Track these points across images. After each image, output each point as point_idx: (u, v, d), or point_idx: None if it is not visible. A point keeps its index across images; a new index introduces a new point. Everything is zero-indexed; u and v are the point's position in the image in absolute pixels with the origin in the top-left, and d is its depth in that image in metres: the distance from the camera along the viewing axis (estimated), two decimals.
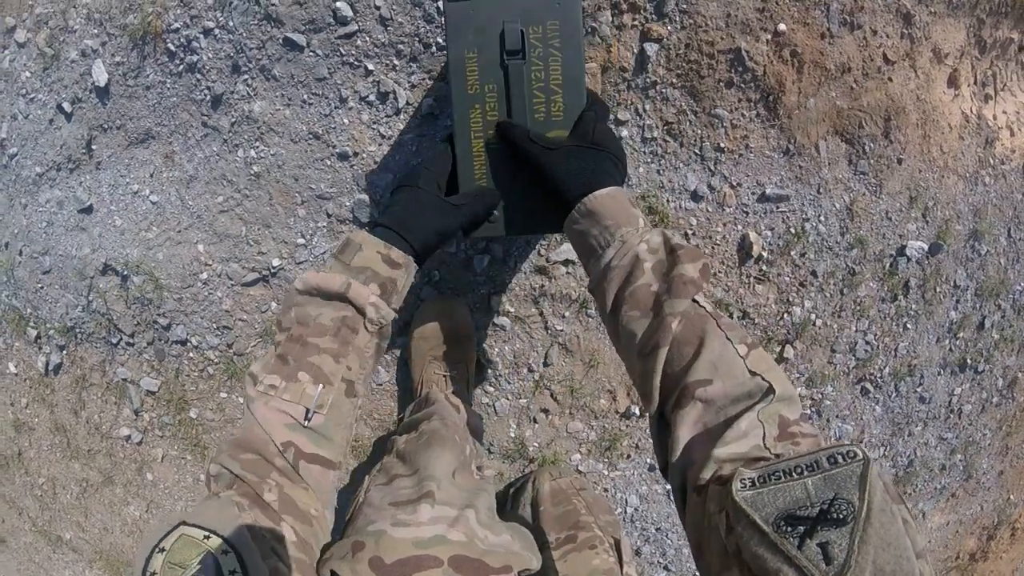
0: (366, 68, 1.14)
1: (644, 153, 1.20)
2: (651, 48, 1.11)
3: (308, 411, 0.70)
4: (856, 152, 1.23)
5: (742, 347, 0.64)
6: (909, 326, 1.43)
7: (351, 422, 0.76)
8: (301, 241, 1.28)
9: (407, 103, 1.16)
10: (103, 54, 1.25)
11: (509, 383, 1.38)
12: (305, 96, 1.17)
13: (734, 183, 1.22)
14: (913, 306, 1.42)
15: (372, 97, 1.16)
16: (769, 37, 1.11)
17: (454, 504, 0.76)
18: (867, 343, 1.42)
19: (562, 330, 1.33)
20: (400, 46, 1.12)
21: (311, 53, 1.13)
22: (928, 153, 1.28)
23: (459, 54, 0.88)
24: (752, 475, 0.50)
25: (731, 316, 1.33)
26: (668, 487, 1.51)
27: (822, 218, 1.27)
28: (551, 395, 1.39)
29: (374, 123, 1.17)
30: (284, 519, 0.63)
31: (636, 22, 1.10)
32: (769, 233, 1.27)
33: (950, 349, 1.51)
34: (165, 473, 1.62)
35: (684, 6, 1.08)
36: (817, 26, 1.12)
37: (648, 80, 1.14)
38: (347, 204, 1.23)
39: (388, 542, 0.68)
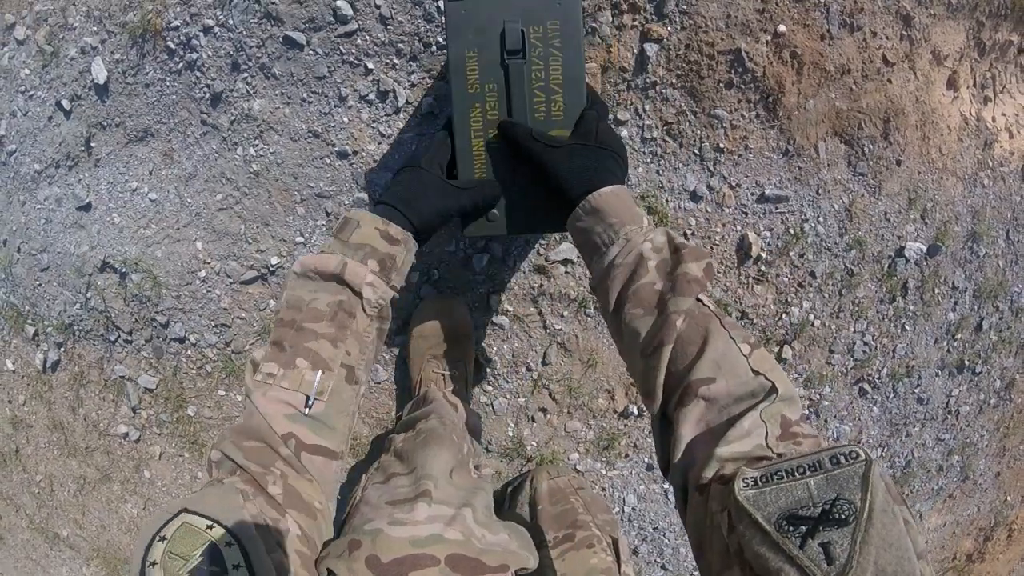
0: (366, 67, 1.13)
1: (643, 153, 1.20)
2: (651, 48, 1.11)
3: (308, 398, 0.69)
4: (855, 153, 1.24)
5: (745, 346, 0.65)
6: (907, 327, 1.44)
7: (353, 410, 0.75)
8: (300, 239, 1.28)
9: (407, 102, 1.15)
10: (102, 51, 1.24)
11: (507, 382, 1.38)
12: (305, 94, 1.17)
13: (733, 183, 1.22)
14: (911, 307, 1.42)
15: (372, 96, 1.15)
16: (769, 38, 1.11)
17: (451, 503, 0.76)
18: (865, 344, 1.42)
19: (561, 329, 1.33)
20: (400, 45, 1.12)
21: (311, 51, 1.13)
22: (927, 155, 1.28)
23: (459, 53, 0.88)
24: (754, 474, 0.50)
25: (729, 316, 1.33)
26: (666, 486, 1.52)
27: (821, 219, 1.27)
28: (549, 394, 1.39)
29: (374, 122, 1.17)
30: (288, 512, 0.62)
31: (636, 22, 1.10)
32: (768, 234, 1.27)
33: (948, 350, 1.52)
34: (163, 471, 1.62)
35: (684, 7, 1.08)
36: (817, 27, 1.12)
37: (648, 80, 1.14)
38: (346, 202, 1.23)
39: (385, 541, 0.68)
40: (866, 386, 1.49)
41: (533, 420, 1.42)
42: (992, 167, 1.35)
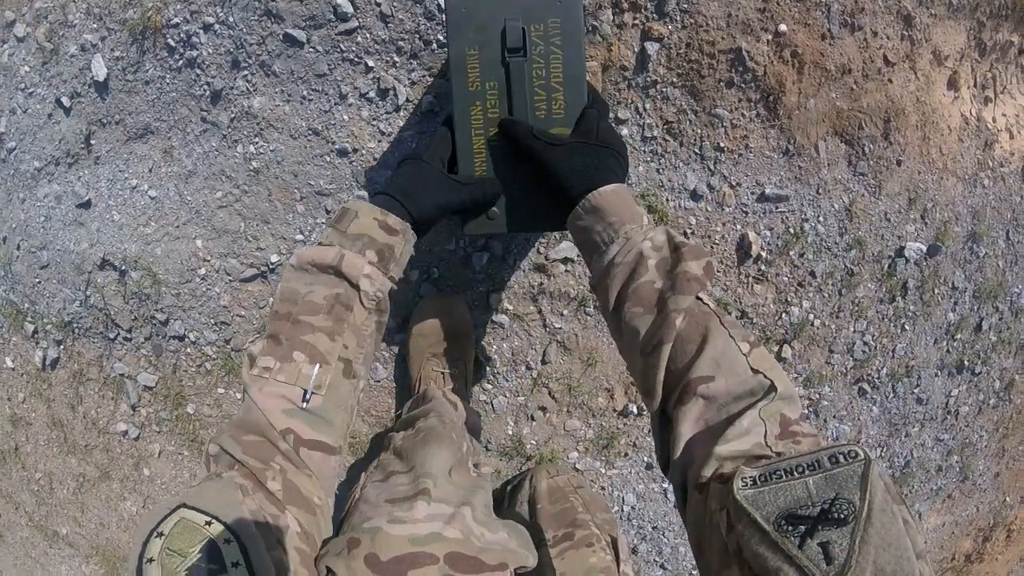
0: (366, 64, 1.13)
1: (644, 152, 1.20)
2: (652, 47, 1.11)
3: (306, 392, 0.68)
4: (856, 153, 1.24)
5: (744, 345, 0.65)
6: (907, 327, 1.44)
7: (351, 404, 0.75)
8: (300, 237, 1.28)
9: (407, 100, 1.15)
10: (102, 49, 1.24)
11: (507, 380, 1.38)
12: (305, 92, 1.17)
13: (733, 183, 1.22)
14: (911, 307, 1.42)
15: (372, 94, 1.15)
16: (770, 37, 1.11)
17: (450, 501, 0.75)
18: (865, 344, 1.42)
19: (560, 328, 1.33)
20: (400, 43, 1.12)
21: (311, 49, 1.13)
22: (927, 155, 1.28)
23: (460, 51, 0.87)
24: (753, 474, 0.50)
25: (729, 315, 1.33)
26: (665, 485, 1.52)
27: (821, 218, 1.27)
28: (549, 393, 1.39)
29: (374, 119, 1.17)
30: (288, 509, 0.62)
31: (637, 21, 1.10)
32: (768, 233, 1.27)
33: (947, 351, 1.52)
34: (162, 468, 1.62)
35: (685, 5, 1.08)
36: (818, 27, 1.12)
37: (648, 79, 1.14)
38: (346, 200, 1.23)
39: (384, 539, 0.68)
40: (865, 386, 1.49)
41: (532, 419, 1.42)
42: (992, 167, 1.35)
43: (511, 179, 0.92)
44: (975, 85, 1.29)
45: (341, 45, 1.12)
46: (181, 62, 1.20)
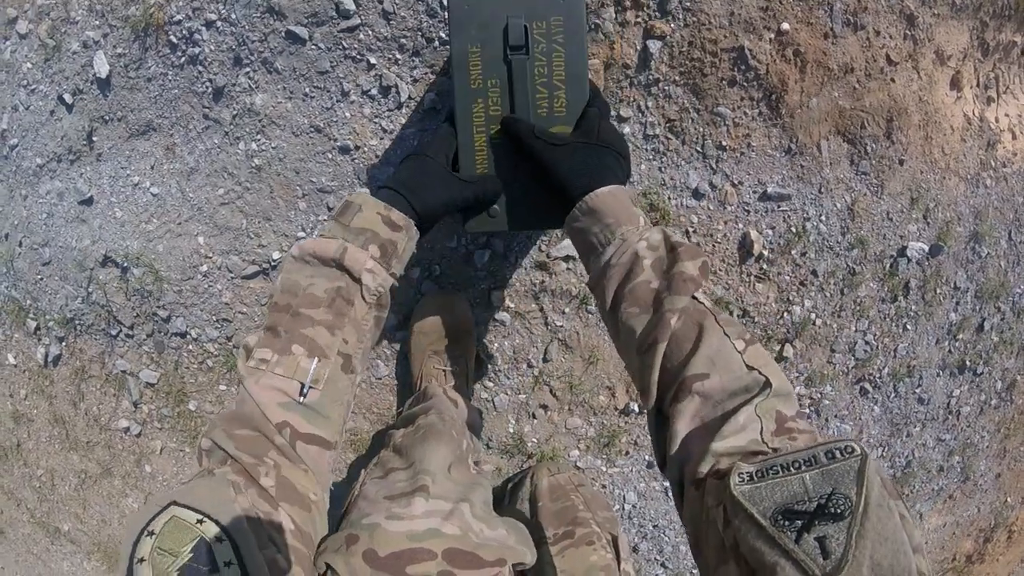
0: (368, 62, 1.13)
1: (646, 150, 1.20)
2: (654, 45, 1.11)
3: (303, 386, 0.67)
4: (858, 152, 1.23)
5: (740, 342, 0.65)
6: (909, 327, 1.43)
7: (348, 399, 0.74)
8: (302, 234, 1.28)
9: (409, 97, 1.15)
10: (105, 45, 1.24)
11: (508, 378, 1.38)
12: (307, 89, 1.17)
13: (736, 181, 1.22)
14: (913, 307, 1.42)
15: (374, 91, 1.15)
16: (772, 36, 1.11)
17: (449, 498, 0.75)
18: (867, 343, 1.42)
19: (562, 326, 1.33)
20: (403, 40, 1.12)
21: (313, 46, 1.13)
22: (930, 155, 1.28)
23: (462, 48, 0.87)
24: (750, 469, 0.50)
25: (731, 314, 1.33)
26: (666, 484, 1.52)
27: (823, 218, 1.27)
28: (550, 391, 1.39)
29: (376, 117, 1.17)
30: (281, 505, 0.61)
31: (639, 19, 1.10)
32: (770, 232, 1.27)
33: (949, 351, 1.51)
34: (164, 465, 1.62)
35: (688, 3, 1.08)
36: (820, 26, 1.12)
37: (651, 77, 1.14)
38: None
39: (382, 535, 0.68)
40: (867, 385, 1.49)
41: (534, 417, 1.42)
42: (995, 168, 1.35)
43: (512, 177, 0.92)
44: (978, 85, 1.29)
45: (343, 42, 1.12)
46: (183, 59, 1.20)
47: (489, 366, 1.37)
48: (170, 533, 0.50)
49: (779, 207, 1.25)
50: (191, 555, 0.49)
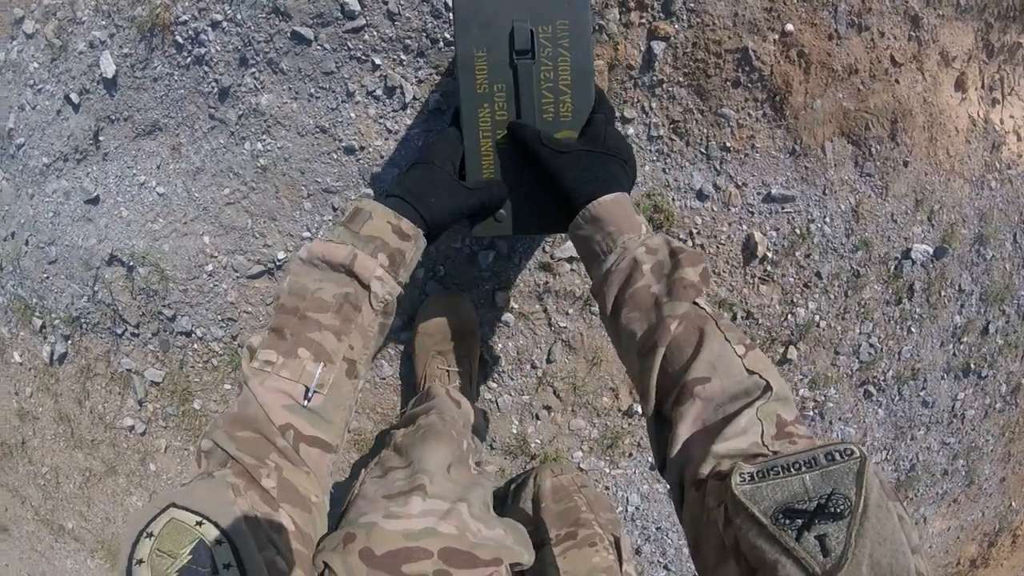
0: (373, 62, 1.14)
1: (650, 151, 1.20)
2: (658, 46, 1.11)
3: (308, 390, 0.67)
4: (862, 154, 1.23)
5: (740, 347, 0.65)
6: (913, 329, 1.43)
7: (351, 404, 0.74)
8: (307, 234, 1.28)
9: (414, 98, 1.16)
10: (111, 46, 1.25)
11: (512, 379, 1.38)
12: (312, 90, 1.17)
13: (740, 183, 1.22)
14: (917, 309, 1.41)
15: (379, 92, 1.16)
16: (776, 37, 1.11)
17: (447, 497, 0.76)
18: (871, 346, 1.42)
19: (566, 327, 1.33)
20: (407, 41, 1.12)
21: (319, 47, 1.14)
22: (934, 156, 1.28)
23: (468, 52, 0.87)
24: (751, 470, 0.50)
25: (735, 316, 1.33)
26: (669, 486, 1.51)
27: (827, 219, 1.27)
28: (554, 392, 1.40)
29: (381, 117, 1.18)
30: (282, 507, 0.61)
31: (643, 20, 1.10)
32: (774, 233, 1.27)
33: (954, 353, 1.51)
34: (168, 464, 1.63)
35: (692, 5, 1.08)
36: (825, 27, 1.12)
37: (655, 78, 1.14)
38: (353, 198, 1.24)
39: (379, 534, 0.68)
40: (871, 388, 1.48)
41: (537, 418, 1.42)
42: (1000, 169, 1.35)
43: (518, 182, 0.91)
44: (983, 86, 1.29)
45: (348, 43, 1.13)
46: (189, 59, 1.20)
47: (493, 367, 1.37)
48: (169, 535, 0.50)
49: (783, 209, 1.25)
50: (190, 557, 0.49)
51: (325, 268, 0.73)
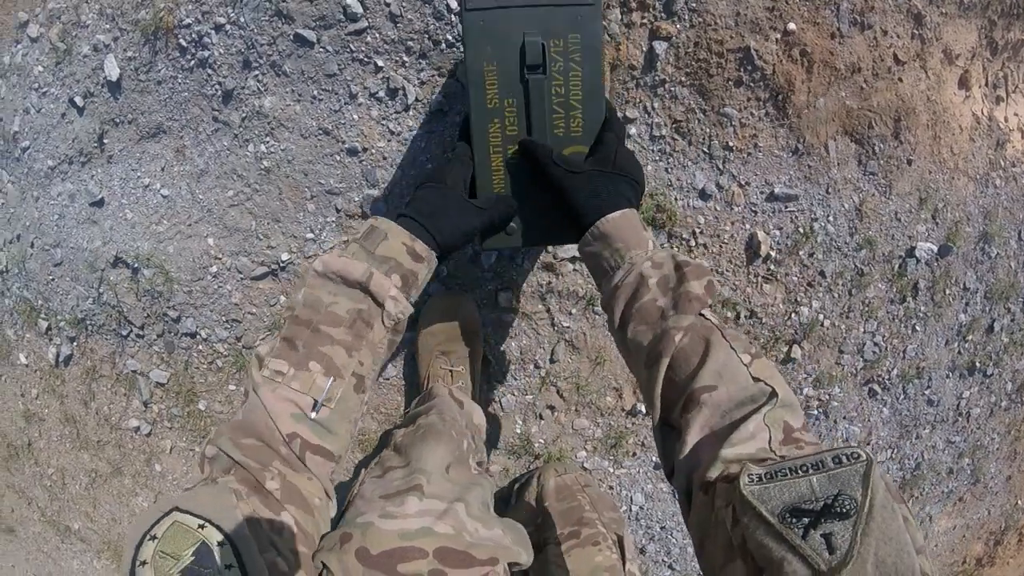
0: (376, 64, 1.14)
1: (652, 151, 1.20)
2: (660, 46, 1.11)
3: (316, 403, 0.68)
4: (866, 152, 1.23)
5: (746, 356, 0.67)
6: (918, 328, 1.43)
7: (356, 418, 0.75)
8: (310, 236, 1.29)
9: (416, 99, 1.16)
10: (115, 49, 1.26)
11: (515, 379, 1.39)
12: (315, 92, 1.18)
13: (742, 182, 1.22)
14: (922, 308, 1.41)
15: (382, 93, 1.16)
16: (779, 36, 1.11)
17: (444, 497, 0.76)
18: (875, 344, 1.41)
19: (569, 327, 1.33)
20: (410, 43, 1.12)
21: (321, 49, 1.14)
22: (938, 154, 1.27)
23: (478, 66, 0.86)
24: (759, 471, 0.51)
25: (738, 315, 1.33)
26: (676, 491, 1.51)
27: (831, 218, 1.27)
28: (557, 392, 1.40)
29: (383, 119, 1.18)
30: (286, 508, 0.62)
31: (645, 20, 1.11)
32: (777, 232, 1.27)
33: (959, 352, 1.51)
34: (174, 464, 1.64)
35: (693, 4, 1.08)
36: (827, 26, 1.11)
37: (657, 78, 1.14)
38: (356, 199, 1.24)
39: (374, 533, 0.69)
40: (876, 387, 1.48)
41: (541, 417, 1.42)
42: (1004, 167, 1.34)
43: (527, 196, 0.91)
44: (986, 84, 1.28)
45: (351, 45, 1.13)
46: (193, 62, 1.21)
47: (496, 367, 1.37)
48: (172, 537, 0.51)
49: (786, 207, 1.25)
50: (192, 558, 0.50)
51: (340, 283, 0.74)
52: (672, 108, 1.17)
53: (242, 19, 1.15)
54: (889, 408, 1.51)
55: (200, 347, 1.46)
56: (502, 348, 1.36)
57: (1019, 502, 1.85)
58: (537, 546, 1.00)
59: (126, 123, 1.31)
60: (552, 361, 1.36)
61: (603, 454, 1.46)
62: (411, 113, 1.17)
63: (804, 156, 1.21)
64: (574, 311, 1.31)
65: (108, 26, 1.25)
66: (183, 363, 1.49)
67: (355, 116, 1.18)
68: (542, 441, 1.44)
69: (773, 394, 0.62)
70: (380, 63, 1.14)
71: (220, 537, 0.52)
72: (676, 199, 1.23)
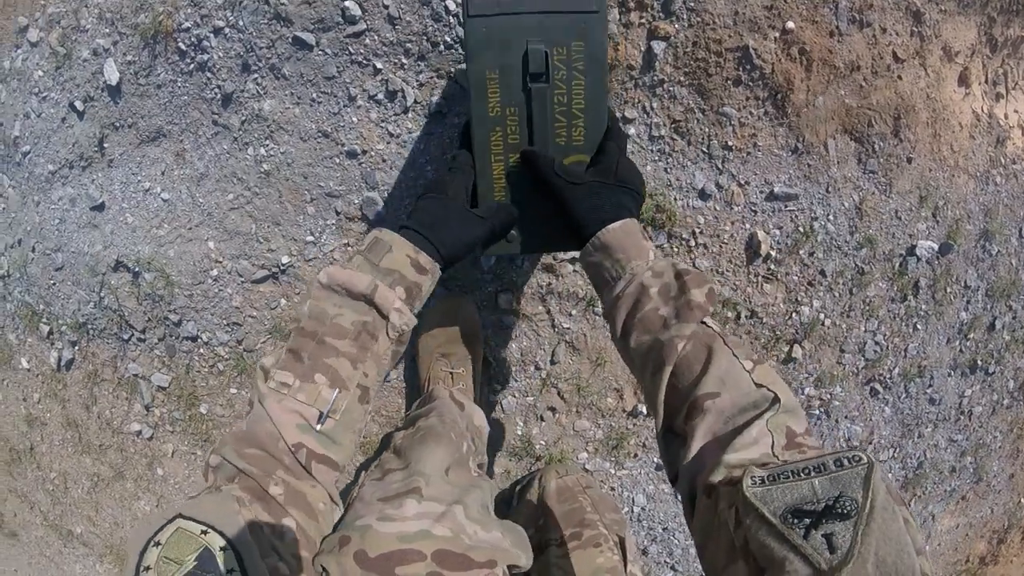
0: (375, 67, 1.14)
1: (651, 151, 1.20)
2: (658, 46, 1.11)
3: (322, 415, 0.69)
4: (865, 151, 1.23)
5: (748, 363, 0.67)
6: (919, 326, 1.42)
7: (360, 428, 0.76)
8: (310, 238, 1.29)
9: (415, 101, 1.16)
10: (115, 53, 1.26)
11: (516, 381, 1.38)
12: (314, 95, 1.18)
13: (742, 181, 1.22)
14: (923, 306, 1.41)
15: (381, 95, 1.16)
16: (777, 35, 1.11)
17: (443, 500, 0.76)
18: (876, 343, 1.41)
19: (569, 328, 1.33)
20: (408, 45, 1.12)
21: (320, 52, 1.14)
22: (938, 152, 1.27)
23: (480, 74, 0.84)
24: (762, 474, 0.52)
25: (739, 315, 1.33)
26: (680, 497, 1.51)
27: (831, 217, 1.27)
28: (558, 393, 1.40)
29: (383, 121, 1.18)
30: (289, 512, 0.63)
31: (643, 20, 1.10)
32: (777, 232, 1.26)
33: (960, 350, 1.50)
34: (175, 468, 1.64)
35: (691, 4, 1.08)
36: (826, 24, 1.11)
37: (655, 78, 1.14)
38: (356, 202, 1.24)
39: (373, 536, 0.69)
40: (877, 386, 1.48)
41: (542, 419, 1.42)
42: (1005, 164, 1.34)
43: (528, 203, 0.91)
44: (986, 81, 1.28)
45: (350, 48, 1.13)
46: (192, 66, 1.21)
47: (497, 368, 1.37)
48: (175, 543, 0.52)
49: (786, 207, 1.24)
50: (195, 563, 0.51)
51: (344, 295, 0.74)
52: (671, 108, 1.16)
53: (241, 22, 1.15)
54: (891, 407, 1.51)
55: (201, 351, 1.46)
56: (502, 350, 1.36)
57: (1022, 500, 1.84)
58: (538, 548, 1.00)
59: (126, 127, 1.31)
60: (553, 362, 1.36)
61: (604, 455, 1.46)
62: (410, 115, 1.17)
63: (804, 155, 1.21)
64: (574, 312, 1.31)
65: (107, 30, 1.25)
66: (184, 367, 1.49)
67: (354, 119, 1.18)
68: (543, 443, 1.44)
69: (776, 400, 0.62)
70: (379, 65, 1.14)
71: (222, 542, 0.53)
72: (675, 199, 1.23)
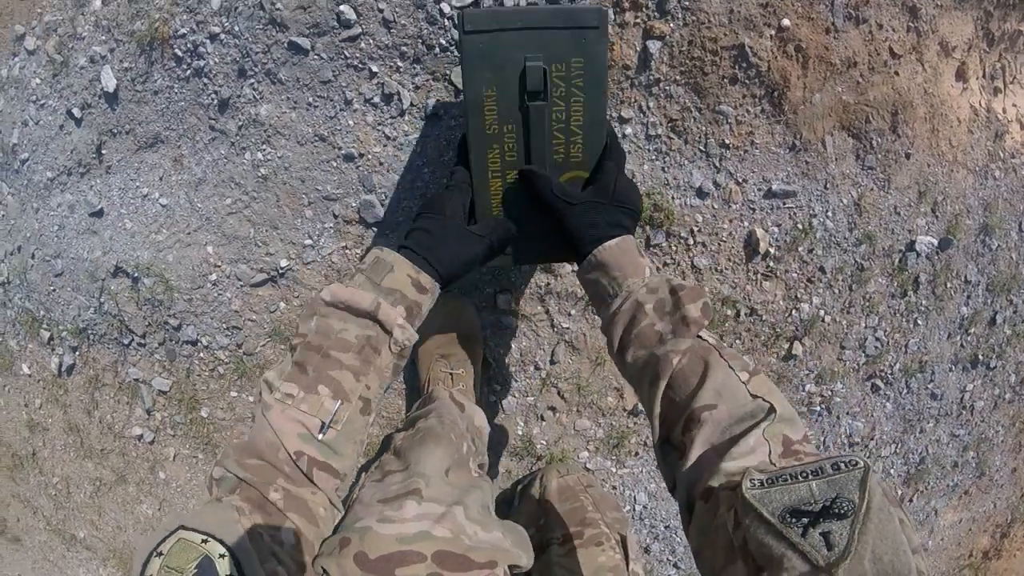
0: (370, 70, 1.14)
1: (648, 151, 1.20)
2: (654, 45, 1.11)
3: (324, 424, 0.71)
4: (863, 147, 1.23)
5: (744, 374, 0.69)
6: (919, 322, 1.42)
7: (362, 439, 0.77)
8: (308, 242, 1.29)
9: (411, 104, 1.16)
10: (111, 60, 1.26)
11: (516, 381, 1.39)
12: (310, 99, 1.18)
13: (740, 179, 1.22)
14: (923, 302, 1.41)
15: (377, 99, 1.16)
16: (773, 32, 1.11)
17: (443, 501, 0.77)
18: (877, 339, 1.41)
19: (568, 328, 1.33)
20: (403, 48, 1.12)
21: (316, 56, 1.14)
22: (937, 147, 1.27)
23: (477, 92, 0.83)
24: (761, 477, 0.53)
25: (738, 313, 1.33)
26: (678, 504, 1.51)
27: (830, 214, 1.26)
28: (558, 393, 1.40)
29: (379, 124, 1.18)
30: (289, 518, 0.64)
31: (638, 20, 1.10)
32: (776, 229, 1.26)
33: (961, 345, 1.50)
34: (177, 472, 1.64)
35: (686, 3, 1.08)
36: (821, 21, 1.11)
37: (651, 77, 1.14)
38: (353, 205, 1.24)
39: (373, 538, 0.70)
40: (879, 382, 1.48)
41: (542, 419, 1.42)
42: (1003, 159, 1.34)
43: (526, 220, 0.91)
44: (984, 76, 1.28)
45: (345, 51, 1.13)
46: (189, 72, 1.21)
47: (496, 369, 1.37)
48: (177, 553, 0.54)
49: (784, 204, 1.24)
50: (196, 571, 0.53)
51: (347, 312, 0.77)
52: (667, 107, 1.16)
53: (236, 28, 1.15)
54: (892, 403, 1.51)
55: (201, 354, 1.46)
56: (502, 350, 1.36)
57: None
58: (540, 547, 1.00)
59: (124, 133, 1.32)
60: (552, 362, 1.36)
61: (605, 454, 1.46)
62: (406, 118, 1.17)
63: (801, 152, 1.21)
64: (573, 312, 1.31)
65: (104, 37, 1.25)
66: (185, 371, 1.49)
67: (351, 122, 1.18)
68: (544, 442, 1.44)
69: (771, 410, 0.64)
70: (375, 69, 1.14)
71: (222, 550, 0.55)
72: (673, 198, 1.23)
